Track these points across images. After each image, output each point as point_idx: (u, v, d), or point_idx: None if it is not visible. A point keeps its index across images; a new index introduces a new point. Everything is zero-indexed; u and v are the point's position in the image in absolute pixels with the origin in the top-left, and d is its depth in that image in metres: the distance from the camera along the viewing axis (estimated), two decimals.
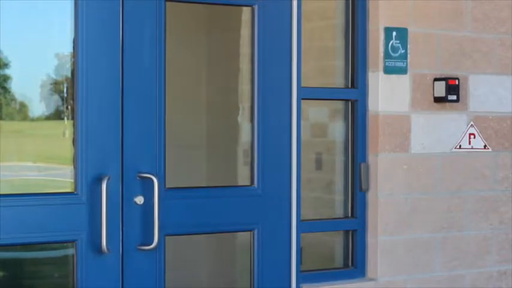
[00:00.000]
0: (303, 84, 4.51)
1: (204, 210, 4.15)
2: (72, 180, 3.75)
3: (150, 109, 3.98)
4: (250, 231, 4.29)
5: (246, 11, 4.48)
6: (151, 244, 3.87)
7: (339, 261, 4.96)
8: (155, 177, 3.89)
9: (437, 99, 4.92)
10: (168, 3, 6.15)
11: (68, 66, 3.81)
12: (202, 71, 6.03)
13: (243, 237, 4.52)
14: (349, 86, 4.90)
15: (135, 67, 3.91)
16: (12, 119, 3.81)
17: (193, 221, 4.13)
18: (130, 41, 3.92)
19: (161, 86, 4.03)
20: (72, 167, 3.75)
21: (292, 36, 4.39)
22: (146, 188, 3.92)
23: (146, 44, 3.95)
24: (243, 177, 4.51)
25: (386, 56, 4.79)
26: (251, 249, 4.33)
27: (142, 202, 3.90)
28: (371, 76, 4.83)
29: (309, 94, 4.67)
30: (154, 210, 3.88)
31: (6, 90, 3.77)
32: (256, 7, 4.29)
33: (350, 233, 4.89)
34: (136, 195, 3.91)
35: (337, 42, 5.00)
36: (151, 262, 3.93)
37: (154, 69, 3.98)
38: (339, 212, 4.97)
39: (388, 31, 4.79)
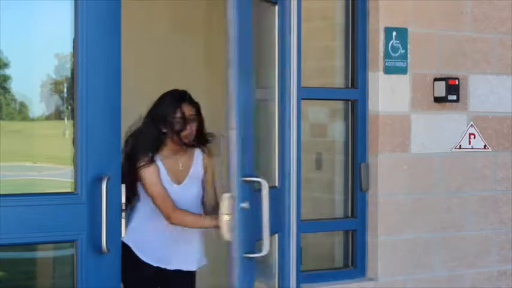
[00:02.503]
0: (303, 84, 4.51)
1: None
2: (72, 180, 3.75)
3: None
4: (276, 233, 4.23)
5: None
6: (257, 252, 3.74)
7: (339, 261, 4.97)
8: None
9: (437, 99, 4.92)
10: (167, 2, 6.16)
11: (68, 66, 3.81)
12: (203, 71, 6.04)
13: None
14: (349, 86, 4.90)
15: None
16: (12, 119, 3.80)
17: None
18: None
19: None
20: (72, 167, 3.75)
21: (292, 36, 4.38)
22: None
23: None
24: None
25: (387, 56, 4.79)
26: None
27: None
28: (371, 76, 4.83)
29: (309, 94, 4.68)
30: (264, 215, 3.79)
31: (6, 90, 3.76)
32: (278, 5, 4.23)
33: (350, 233, 4.89)
34: None
35: (337, 42, 5.00)
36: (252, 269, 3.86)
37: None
38: (339, 212, 4.97)
39: (388, 31, 4.79)
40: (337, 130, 5.05)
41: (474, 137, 5.07)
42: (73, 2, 3.70)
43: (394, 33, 4.81)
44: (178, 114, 4.17)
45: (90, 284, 3.73)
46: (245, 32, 3.72)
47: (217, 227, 3.69)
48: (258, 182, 3.70)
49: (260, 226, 3.68)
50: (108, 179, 3.69)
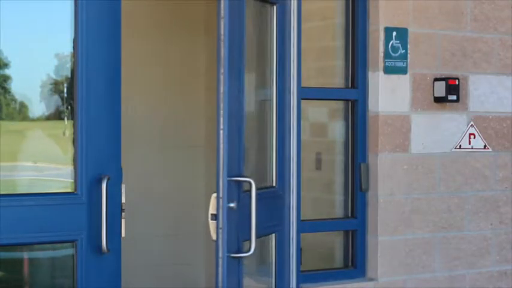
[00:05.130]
0: (303, 84, 4.51)
1: None
2: (72, 180, 3.75)
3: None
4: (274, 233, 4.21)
5: None
6: (245, 251, 3.70)
7: (339, 261, 4.96)
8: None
9: (437, 99, 4.92)
10: (166, 2, 6.16)
11: (68, 66, 3.81)
12: (204, 71, 6.03)
13: None
14: (349, 86, 4.90)
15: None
16: (12, 119, 3.80)
17: None
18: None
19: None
20: (72, 167, 3.75)
21: (292, 36, 4.38)
22: None
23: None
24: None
25: (387, 56, 4.79)
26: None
27: None
28: (371, 76, 4.83)
29: (309, 94, 4.68)
30: (252, 215, 3.76)
31: (6, 90, 3.76)
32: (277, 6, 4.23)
33: (350, 233, 4.89)
34: None
35: (337, 42, 5.00)
36: (239, 269, 3.84)
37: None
38: (339, 212, 4.97)
39: (388, 31, 4.79)
40: (337, 130, 5.05)
41: (474, 137, 5.07)
42: (73, 2, 3.70)
43: (394, 33, 4.81)
44: None
45: (90, 284, 3.73)
46: (237, 31, 3.71)
47: None
48: (249, 183, 3.68)
49: (249, 226, 3.65)
50: (108, 179, 3.69)
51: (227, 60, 3.58)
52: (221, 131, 3.57)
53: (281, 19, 4.26)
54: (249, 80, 4.01)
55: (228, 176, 3.57)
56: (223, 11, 3.56)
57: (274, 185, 4.22)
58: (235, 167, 3.67)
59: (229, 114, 3.56)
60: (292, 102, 4.38)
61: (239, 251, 3.66)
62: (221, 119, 3.57)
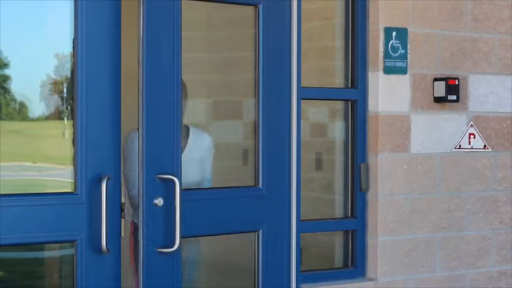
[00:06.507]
0: (303, 84, 4.51)
1: (211, 211, 4.13)
2: (72, 180, 3.75)
3: None
4: (255, 231, 4.27)
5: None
6: (171, 247, 3.86)
7: (339, 261, 4.96)
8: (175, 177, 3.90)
9: (437, 99, 4.92)
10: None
11: (68, 66, 3.81)
12: (205, 71, 6.03)
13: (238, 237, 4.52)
14: (349, 86, 4.90)
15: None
16: (12, 119, 3.81)
17: (201, 223, 4.09)
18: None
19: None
20: (72, 167, 3.75)
21: (292, 36, 4.38)
22: None
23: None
24: (245, 178, 4.49)
25: (386, 56, 4.79)
26: (255, 250, 4.30)
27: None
28: (371, 76, 4.83)
29: (309, 94, 4.67)
30: (176, 212, 3.85)
31: (6, 90, 3.76)
32: (260, 6, 4.28)
33: (350, 233, 4.89)
34: None
35: (337, 42, 5.00)
36: (169, 264, 3.91)
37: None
38: (338, 212, 4.97)
39: (388, 31, 4.79)
40: (337, 130, 5.05)
41: (474, 137, 5.07)
42: (73, 2, 3.70)
43: (394, 33, 4.81)
44: None
45: (90, 284, 3.73)
46: (163, 31, 3.86)
47: None
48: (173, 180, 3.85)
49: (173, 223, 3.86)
50: (108, 179, 3.70)
51: (145, 61, 3.83)
52: (141, 129, 3.83)
53: (272, 19, 4.28)
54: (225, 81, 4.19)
55: (154, 174, 3.87)
56: (140, 13, 3.84)
57: (256, 184, 4.25)
58: (163, 164, 3.89)
59: (147, 113, 3.82)
60: (292, 102, 4.39)
61: (166, 246, 3.86)
62: (140, 117, 3.84)
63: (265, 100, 4.30)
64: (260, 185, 4.28)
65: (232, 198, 4.22)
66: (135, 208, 4.26)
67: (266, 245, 4.28)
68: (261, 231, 4.27)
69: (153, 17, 3.86)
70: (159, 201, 3.86)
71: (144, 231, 3.84)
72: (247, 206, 4.24)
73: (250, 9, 4.32)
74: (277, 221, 4.33)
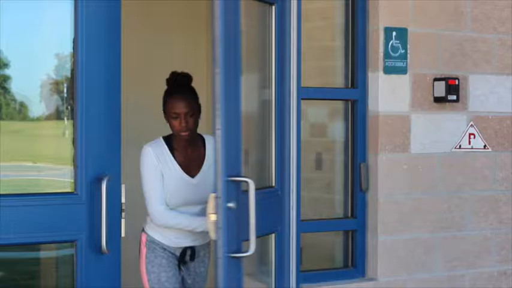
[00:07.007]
0: (303, 84, 4.51)
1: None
2: (72, 180, 3.75)
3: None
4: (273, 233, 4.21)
5: None
6: (244, 251, 3.70)
7: (339, 261, 4.97)
8: None
9: (437, 99, 4.92)
10: (168, 2, 6.16)
11: (68, 66, 3.81)
12: (206, 71, 6.03)
13: None
14: (349, 86, 4.90)
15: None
16: (12, 119, 3.80)
17: None
18: None
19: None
20: (72, 167, 3.75)
21: (292, 36, 4.38)
22: None
23: None
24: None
25: (386, 56, 4.79)
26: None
27: None
28: (371, 76, 4.83)
29: (309, 94, 4.68)
30: (251, 215, 3.76)
31: (6, 90, 3.76)
32: (275, 6, 4.22)
33: (350, 233, 4.89)
34: None
35: (337, 42, 5.00)
36: (240, 269, 3.84)
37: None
38: (339, 212, 4.97)
39: (388, 31, 4.80)
40: (337, 130, 5.05)
41: (474, 137, 5.07)
42: (73, 2, 3.70)
43: (394, 33, 4.81)
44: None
45: (90, 284, 3.73)
46: (233, 31, 3.71)
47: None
48: (247, 182, 3.68)
49: (248, 226, 3.64)
50: (108, 179, 3.69)
51: (222, 60, 3.58)
52: (217, 131, 3.57)
53: (281, 19, 4.26)
54: (247, 80, 4.01)
55: (227, 176, 3.58)
56: (217, 11, 3.57)
57: (273, 185, 4.22)
58: (233, 167, 3.67)
59: (225, 114, 3.57)
60: (292, 102, 4.38)
61: (239, 250, 3.66)
62: (217, 119, 3.58)
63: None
64: (276, 186, 4.23)
65: (268, 199, 4.15)
66: (160, 224, 4.11)
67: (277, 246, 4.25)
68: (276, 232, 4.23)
69: (227, 18, 3.68)
70: (233, 205, 3.61)
71: (225, 237, 3.59)
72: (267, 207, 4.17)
73: None
74: (272, 220, 4.33)
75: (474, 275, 5.08)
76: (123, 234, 3.83)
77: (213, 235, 3.58)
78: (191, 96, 4.09)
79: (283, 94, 4.31)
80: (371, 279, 4.82)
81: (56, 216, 3.67)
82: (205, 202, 3.86)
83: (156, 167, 4.07)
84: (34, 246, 3.82)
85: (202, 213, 4.03)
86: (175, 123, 4.04)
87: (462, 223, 5.05)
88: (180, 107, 4.03)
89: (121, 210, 3.82)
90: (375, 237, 4.80)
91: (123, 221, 3.83)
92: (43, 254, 3.97)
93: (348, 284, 4.77)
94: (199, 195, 4.05)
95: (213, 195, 3.59)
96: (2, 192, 3.58)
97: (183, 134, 4.05)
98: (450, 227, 5.00)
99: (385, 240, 4.80)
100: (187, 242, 4.14)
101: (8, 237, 3.57)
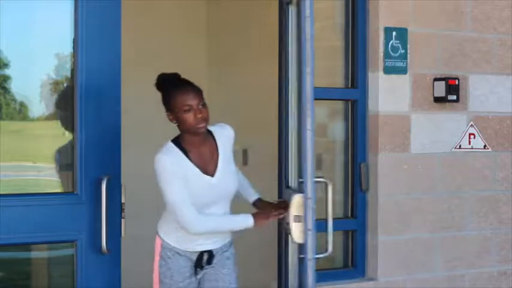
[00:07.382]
0: None
1: None
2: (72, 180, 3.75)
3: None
4: None
5: None
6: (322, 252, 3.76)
7: (339, 261, 4.96)
8: None
9: (437, 99, 4.92)
10: (168, 2, 6.16)
11: (68, 66, 3.81)
12: (206, 71, 6.04)
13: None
14: (349, 86, 4.90)
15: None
16: (12, 119, 3.81)
17: None
18: None
19: None
20: (72, 167, 3.76)
21: (305, 37, 4.36)
22: None
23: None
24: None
25: (386, 55, 4.79)
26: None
27: None
28: (371, 76, 4.83)
29: None
30: (329, 215, 3.76)
31: (6, 90, 3.77)
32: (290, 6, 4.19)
33: (350, 233, 4.89)
34: None
35: (337, 42, 5.00)
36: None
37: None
38: (339, 212, 4.97)
39: (388, 31, 4.79)
40: (337, 130, 5.05)
41: (474, 137, 5.07)
42: (73, 2, 3.70)
43: (394, 33, 4.81)
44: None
45: (90, 284, 3.74)
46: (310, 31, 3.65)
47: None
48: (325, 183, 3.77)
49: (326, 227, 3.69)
50: (108, 179, 3.70)
51: (311, 59, 3.60)
52: (308, 131, 3.49)
53: (298, 19, 4.23)
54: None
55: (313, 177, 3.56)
56: (308, 10, 3.59)
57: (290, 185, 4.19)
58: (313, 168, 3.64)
59: (313, 114, 3.53)
60: (307, 103, 4.31)
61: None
62: (308, 120, 3.51)
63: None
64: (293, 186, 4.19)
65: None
66: (197, 232, 3.74)
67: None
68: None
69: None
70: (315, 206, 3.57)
71: (314, 239, 3.62)
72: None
73: None
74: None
75: (474, 275, 5.08)
76: (123, 234, 3.83)
77: (298, 237, 3.54)
78: (196, 87, 3.78)
79: (300, 94, 4.28)
80: (371, 279, 4.82)
81: (56, 216, 3.68)
82: (224, 200, 3.81)
83: (177, 174, 3.66)
84: (34, 246, 3.83)
85: (223, 211, 3.83)
86: (190, 117, 3.68)
87: (462, 223, 5.04)
88: (192, 98, 3.68)
89: (121, 210, 3.82)
90: (375, 237, 4.80)
91: (123, 221, 3.84)
92: (43, 254, 3.97)
93: (348, 284, 4.77)
94: (220, 194, 3.80)
95: (297, 196, 3.56)
96: (2, 192, 3.59)
97: (200, 126, 3.70)
98: (450, 227, 5.00)
99: (385, 240, 4.80)
100: (206, 246, 3.82)
101: (8, 237, 3.58)
